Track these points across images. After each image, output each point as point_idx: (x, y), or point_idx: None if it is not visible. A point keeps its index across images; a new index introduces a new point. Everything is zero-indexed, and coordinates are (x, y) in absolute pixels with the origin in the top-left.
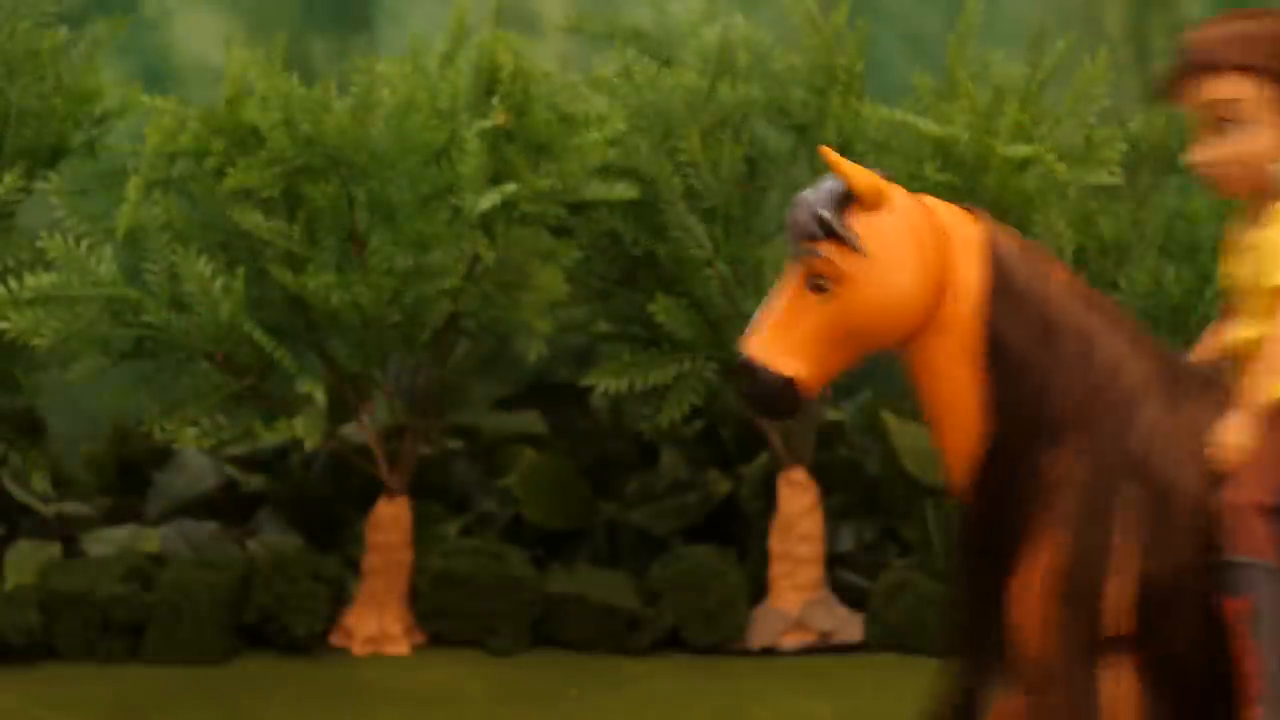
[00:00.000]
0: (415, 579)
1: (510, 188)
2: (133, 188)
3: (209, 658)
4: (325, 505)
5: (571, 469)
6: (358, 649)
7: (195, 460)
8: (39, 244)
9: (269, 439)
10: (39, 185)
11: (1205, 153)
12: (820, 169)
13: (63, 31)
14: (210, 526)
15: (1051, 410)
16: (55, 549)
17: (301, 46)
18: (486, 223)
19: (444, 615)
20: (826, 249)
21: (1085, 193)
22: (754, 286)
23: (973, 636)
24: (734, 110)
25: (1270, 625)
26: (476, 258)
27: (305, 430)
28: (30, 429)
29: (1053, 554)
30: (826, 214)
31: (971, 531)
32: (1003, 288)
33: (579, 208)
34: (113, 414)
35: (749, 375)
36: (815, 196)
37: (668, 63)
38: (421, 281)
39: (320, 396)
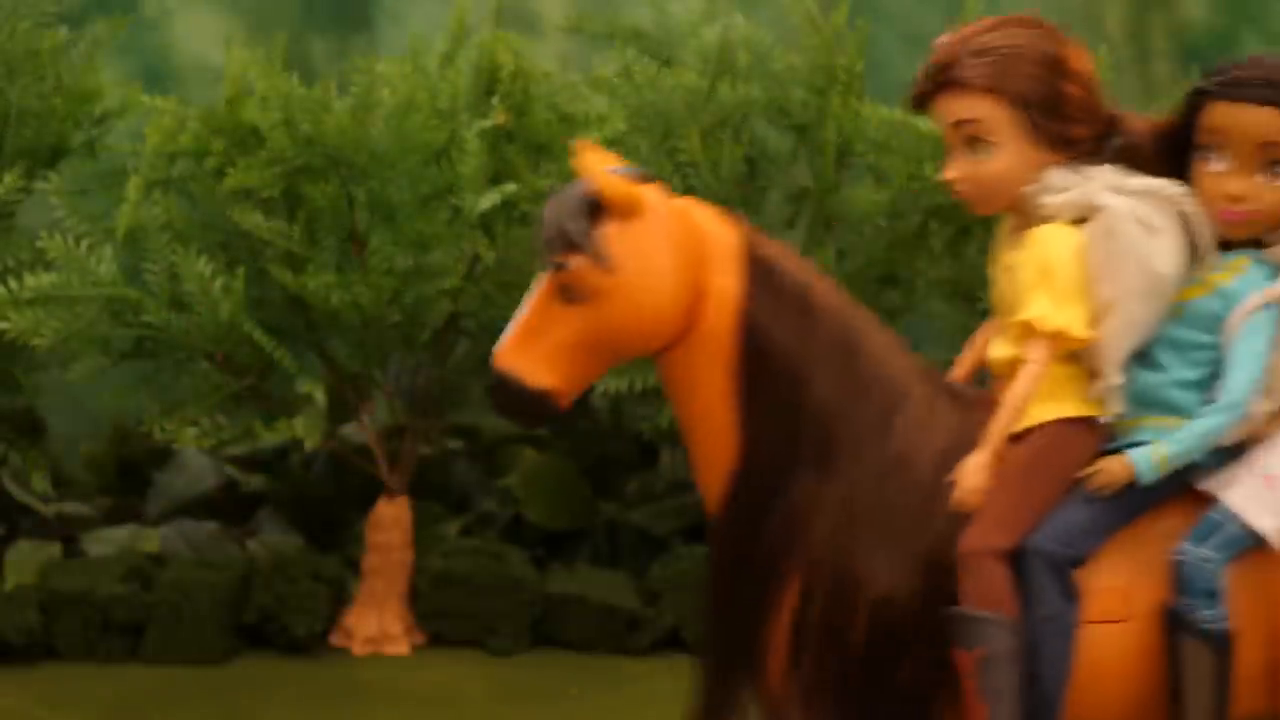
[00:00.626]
0: (415, 579)
1: (510, 188)
2: (133, 188)
3: (209, 658)
4: (325, 505)
5: (571, 469)
6: (358, 649)
7: (195, 460)
8: (39, 244)
9: (269, 439)
10: (39, 185)
11: (955, 171)
12: (817, 168)
13: (63, 31)
14: (210, 526)
15: (807, 424)
16: (55, 549)
17: (301, 46)
18: (486, 223)
19: (444, 615)
20: (575, 261)
21: None
22: None
23: (721, 663)
24: (734, 110)
25: (1000, 679)
26: (476, 258)
27: (305, 430)
28: (30, 429)
29: (805, 588)
30: (573, 227)
31: (721, 553)
32: (761, 296)
33: None
34: (113, 414)
35: (501, 388)
36: (562, 206)
37: (668, 63)
38: (421, 281)
39: (320, 396)
